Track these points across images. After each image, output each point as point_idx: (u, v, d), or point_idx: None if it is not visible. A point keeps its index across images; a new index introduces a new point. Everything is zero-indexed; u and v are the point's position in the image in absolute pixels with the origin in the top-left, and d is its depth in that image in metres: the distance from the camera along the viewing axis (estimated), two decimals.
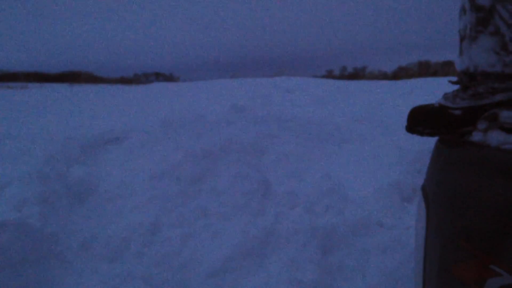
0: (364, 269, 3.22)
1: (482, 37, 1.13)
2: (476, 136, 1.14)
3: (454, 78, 1.28)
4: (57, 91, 17.07)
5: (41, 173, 4.28)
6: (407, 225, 3.69)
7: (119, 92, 14.63)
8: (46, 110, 9.59)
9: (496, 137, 1.05)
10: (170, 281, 3.18)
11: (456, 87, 1.28)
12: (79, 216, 4.08)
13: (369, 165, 4.94)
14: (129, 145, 5.63)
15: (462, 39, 1.22)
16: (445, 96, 1.29)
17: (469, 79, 1.20)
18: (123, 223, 3.90)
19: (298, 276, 3.07)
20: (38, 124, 7.00)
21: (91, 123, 6.75)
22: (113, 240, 3.65)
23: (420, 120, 1.33)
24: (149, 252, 3.53)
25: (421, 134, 1.35)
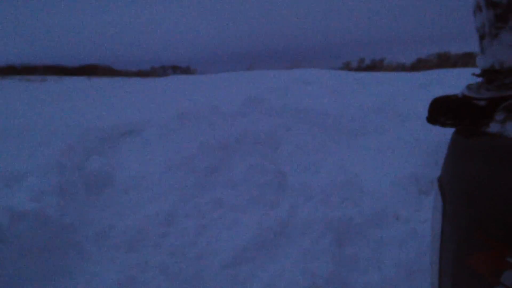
0: (379, 262, 3.20)
1: (504, 33, 1.10)
2: (494, 127, 1.11)
3: (475, 70, 1.25)
4: (76, 84, 17.27)
5: (60, 164, 4.33)
6: (424, 217, 3.65)
7: (136, 85, 14.74)
8: (64, 102, 9.71)
9: None
10: (186, 271, 3.20)
11: (479, 79, 1.25)
12: (97, 206, 4.13)
13: (386, 157, 4.90)
14: (145, 136, 5.67)
15: (482, 37, 1.19)
16: (469, 86, 1.26)
17: (494, 74, 1.17)
18: (140, 213, 3.94)
19: (313, 267, 3.06)
20: (57, 116, 7.09)
21: (108, 115, 6.81)
22: (129, 230, 3.68)
23: (443, 110, 1.29)
24: (165, 242, 3.56)
25: (443, 125, 1.31)
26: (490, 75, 1.17)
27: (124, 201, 4.22)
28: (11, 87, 16.69)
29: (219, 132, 5.26)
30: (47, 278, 3.14)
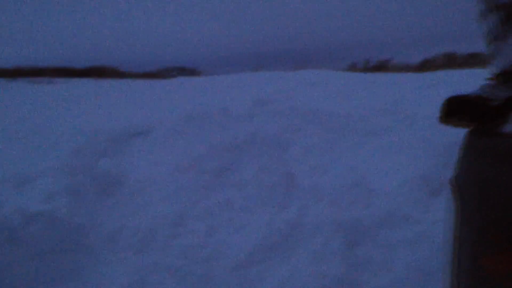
0: (390, 264, 3.19)
1: None
2: (508, 127, 1.10)
3: (483, 71, 1.25)
4: (83, 86, 17.37)
5: (69, 166, 4.36)
6: (434, 219, 3.63)
7: (144, 87, 14.80)
8: (73, 104, 9.77)
9: None
10: (196, 273, 3.21)
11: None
12: (107, 208, 4.15)
13: (395, 158, 4.88)
14: (154, 138, 5.69)
15: (491, 42, 1.18)
16: (483, 87, 1.25)
17: (508, 76, 1.16)
18: (149, 215, 3.95)
19: (323, 269, 3.06)
20: (66, 118, 7.14)
21: (117, 117, 6.85)
22: (139, 231, 3.70)
23: (456, 110, 1.28)
24: (175, 244, 3.57)
25: (456, 125, 1.29)
26: (504, 77, 1.17)
27: (134, 203, 4.24)
28: (20, 90, 16.82)
29: (227, 134, 5.27)
30: (57, 280, 3.16)
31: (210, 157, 4.71)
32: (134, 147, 5.53)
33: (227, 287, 3.12)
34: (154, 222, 3.82)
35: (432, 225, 3.53)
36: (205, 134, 5.41)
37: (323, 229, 3.47)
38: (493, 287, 0.99)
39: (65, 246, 3.40)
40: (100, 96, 11.62)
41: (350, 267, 3.12)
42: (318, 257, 3.19)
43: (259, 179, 4.30)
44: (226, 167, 4.61)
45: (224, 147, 4.87)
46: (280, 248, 3.43)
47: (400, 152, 5.00)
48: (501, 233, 0.96)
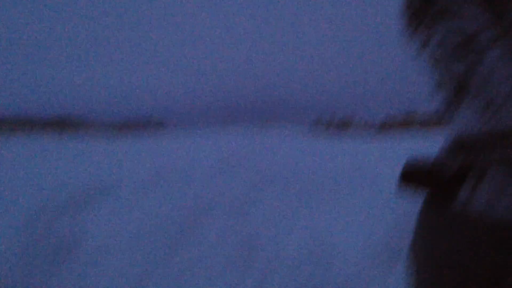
0: None
1: (466, 104, 1.14)
2: (464, 195, 1.12)
3: (443, 131, 1.29)
4: (45, 140, 17.06)
5: (25, 227, 4.18)
6: (396, 284, 3.62)
7: (108, 141, 14.65)
8: (33, 161, 9.51)
9: (483, 197, 1.04)
10: None
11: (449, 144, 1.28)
12: (63, 272, 3.96)
13: (357, 220, 4.91)
14: (117, 197, 5.56)
15: (446, 110, 1.23)
16: (440, 152, 1.29)
17: (464, 142, 1.20)
18: (109, 279, 3.79)
19: None
20: (24, 176, 6.91)
21: (79, 174, 6.69)
22: None
23: (414, 177, 1.31)
24: None
25: (414, 191, 1.32)
26: (457, 145, 1.20)
27: (93, 266, 4.06)
28: None
29: (191, 194, 5.22)
30: None
31: (173, 218, 4.62)
32: (96, 207, 5.37)
33: None
34: (114, 286, 3.65)
35: None
36: (168, 194, 5.34)
37: None
38: None
39: None
40: (62, 151, 11.40)
41: None
42: None
43: (222, 242, 4.23)
44: (188, 229, 4.52)
45: (188, 208, 4.79)
46: None
47: (362, 214, 5.04)
48: None
